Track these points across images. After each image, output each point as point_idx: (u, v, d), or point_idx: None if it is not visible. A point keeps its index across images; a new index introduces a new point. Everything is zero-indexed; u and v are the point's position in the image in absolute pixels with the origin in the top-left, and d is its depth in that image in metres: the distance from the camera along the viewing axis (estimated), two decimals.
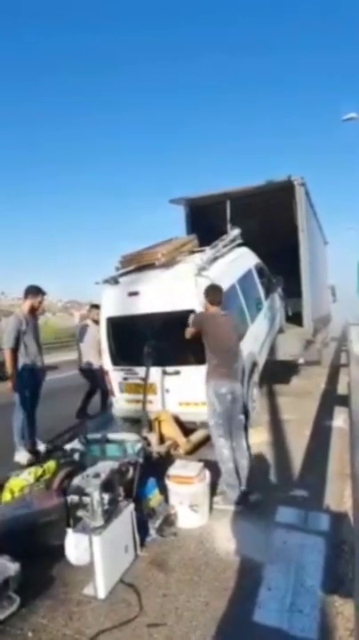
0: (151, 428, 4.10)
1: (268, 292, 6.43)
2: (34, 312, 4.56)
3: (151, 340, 4.12)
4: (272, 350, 6.34)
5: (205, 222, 7.12)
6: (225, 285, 4.50)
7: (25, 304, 4.50)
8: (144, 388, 4.07)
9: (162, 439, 4.09)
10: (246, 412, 3.49)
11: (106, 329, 4.70)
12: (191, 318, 3.58)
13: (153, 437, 4.00)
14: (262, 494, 3.23)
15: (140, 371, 4.31)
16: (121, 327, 4.63)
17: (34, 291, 4.52)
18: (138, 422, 4.22)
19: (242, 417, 3.36)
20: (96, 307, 5.60)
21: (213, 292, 3.47)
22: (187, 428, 4.27)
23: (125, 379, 4.63)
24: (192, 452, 4.13)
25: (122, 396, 4.70)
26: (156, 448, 3.88)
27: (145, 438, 3.68)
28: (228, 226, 6.93)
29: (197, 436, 4.25)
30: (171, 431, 4.13)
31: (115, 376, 4.70)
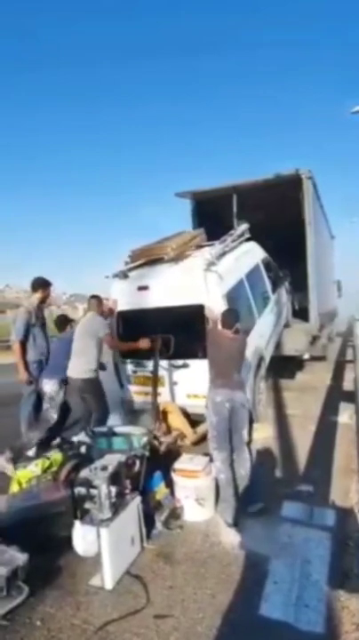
0: (158, 419, 4.17)
1: (275, 286, 6.40)
2: (42, 305, 4.57)
3: (161, 334, 4.19)
4: (278, 345, 6.31)
5: (211, 216, 7.07)
6: (233, 280, 4.61)
7: (34, 297, 4.49)
8: (154, 380, 4.17)
9: (169, 430, 4.17)
10: (251, 424, 3.40)
11: (116, 322, 4.78)
12: (209, 311, 3.87)
13: (161, 428, 4.08)
14: (266, 495, 3.18)
15: (149, 364, 4.40)
16: (130, 321, 4.71)
17: (43, 283, 4.51)
18: (144, 413, 4.38)
19: (244, 433, 3.20)
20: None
21: (225, 317, 3.41)
22: (193, 420, 4.33)
23: (134, 371, 4.74)
24: (198, 442, 4.18)
25: (130, 388, 4.82)
26: (163, 438, 3.93)
27: (152, 433, 3.71)
28: (234, 220, 6.89)
29: (204, 427, 4.20)
30: (178, 422, 4.21)
31: (124, 369, 4.82)
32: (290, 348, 6.52)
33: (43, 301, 4.54)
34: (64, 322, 4.72)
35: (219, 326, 3.40)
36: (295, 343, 6.56)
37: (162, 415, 4.20)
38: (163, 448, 3.68)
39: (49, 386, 4.18)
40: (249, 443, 3.27)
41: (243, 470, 3.15)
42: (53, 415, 4.18)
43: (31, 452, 4.00)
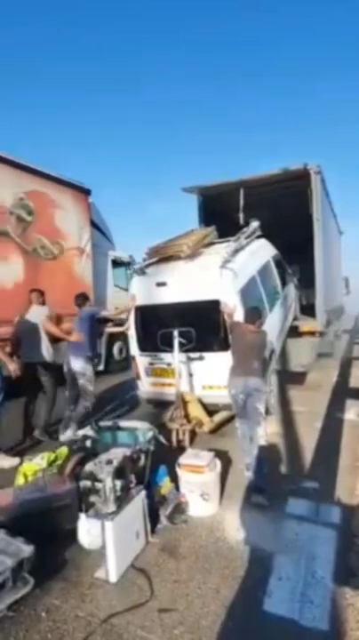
0: (179, 407, 4.39)
1: (285, 282, 6.40)
2: None
3: (179, 328, 4.33)
4: (283, 360, 6.24)
5: (218, 211, 7.02)
6: (246, 276, 4.77)
7: None
8: (176, 371, 4.33)
9: (188, 418, 4.37)
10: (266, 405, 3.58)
11: (134, 317, 4.92)
12: (225, 306, 4.02)
13: (180, 415, 4.32)
14: (271, 491, 3.17)
15: (166, 356, 4.59)
16: (149, 315, 4.84)
17: None
18: (161, 404, 4.76)
19: (257, 405, 3.36)
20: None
21: (248, 313, 3.75)
22: (209, 410, 4.53)
23: (151, 364, 4.87)
24: (215, 430, 4.49)
25: (147, 380, 4.96)
26: (183, 426, 4.21)
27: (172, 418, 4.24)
28: (241, 215, 6.84)
29: (220, 416, 4.55)
30: (196, 411, 4.43)
31: (141, 361, 4.95)
32: (296, 364, 6.40)
33: None
34: (84, 299, 5.09)
35: (243, 321, 3.73)
36: (301, 358, 6.43)
37: (182, 404, 4.41)
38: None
39: (77, 364, 4.58)
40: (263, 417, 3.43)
41: (255, 450, 3.28)
42: (89, 387, 4.65)
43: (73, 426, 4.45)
